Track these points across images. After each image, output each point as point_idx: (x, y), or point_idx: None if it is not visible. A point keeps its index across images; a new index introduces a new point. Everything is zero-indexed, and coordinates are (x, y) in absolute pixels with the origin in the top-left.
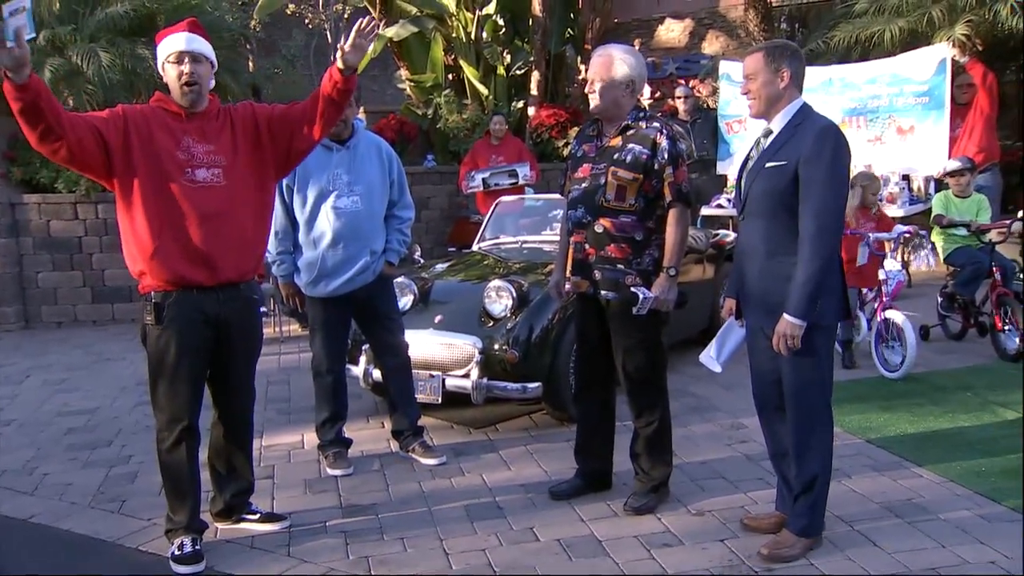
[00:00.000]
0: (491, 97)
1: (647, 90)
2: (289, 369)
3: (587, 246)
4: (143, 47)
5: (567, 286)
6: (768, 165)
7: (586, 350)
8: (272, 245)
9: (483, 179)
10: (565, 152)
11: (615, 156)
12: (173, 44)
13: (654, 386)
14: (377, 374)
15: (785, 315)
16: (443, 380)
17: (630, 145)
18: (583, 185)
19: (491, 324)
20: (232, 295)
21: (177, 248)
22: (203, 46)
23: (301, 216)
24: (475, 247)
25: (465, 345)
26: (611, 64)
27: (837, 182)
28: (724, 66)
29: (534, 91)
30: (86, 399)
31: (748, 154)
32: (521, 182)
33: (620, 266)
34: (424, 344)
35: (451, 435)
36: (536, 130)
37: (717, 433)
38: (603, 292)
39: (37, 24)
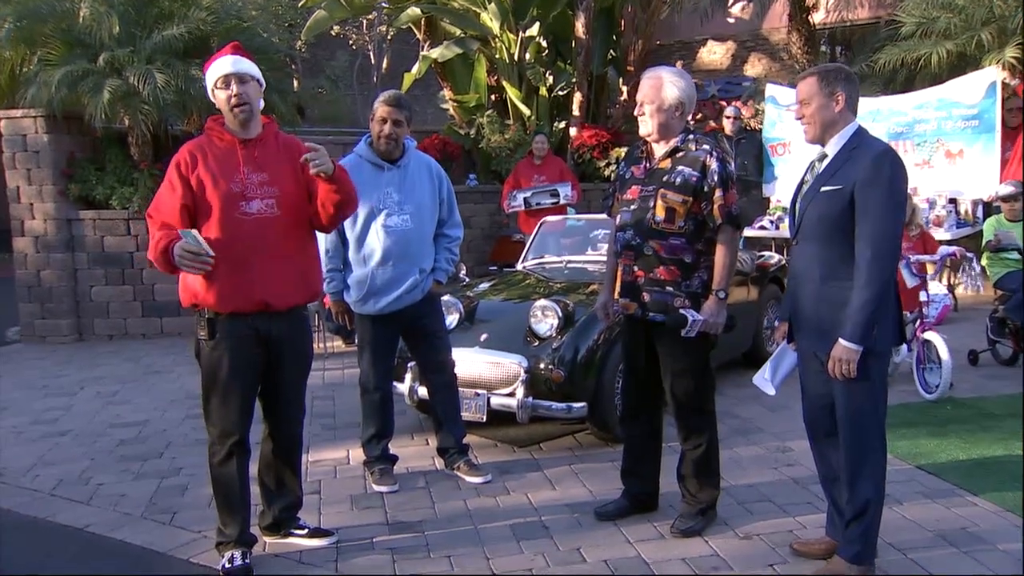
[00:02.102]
0: (533, 117)
1: None
2: (334, 385)
3: (636, 268)
4: (196, 68)
5: (615, 307)
6: (823, 189)
7: (634, 372)
8: (322, 262)
9: (525, 198)
10: (607, 172)
11: (664, 178)
12: (219, 68)
13: (702, 409)
14: (423, 391)
15: (841, 340)
16: (488, 398)
17: (680, 167)
18: (632, 207)
19: (537, 343)
20: (284, 314)
21: (231, 284)
22: (248, 66)
23: (351, 234)
24: (519, 266)
25: (511, 364)
26: (661, 86)
27: (894, 207)
28: (770, 89)
29: (576, 112)
30: (137, 411)
31: (803, 178)
32: (562, 201)
33: (669, 288)
34: (470, 362)
35: (496, 453)
36: (578, 150)
37: (764, 456)
38: (652, 314)
39: (97, 47)
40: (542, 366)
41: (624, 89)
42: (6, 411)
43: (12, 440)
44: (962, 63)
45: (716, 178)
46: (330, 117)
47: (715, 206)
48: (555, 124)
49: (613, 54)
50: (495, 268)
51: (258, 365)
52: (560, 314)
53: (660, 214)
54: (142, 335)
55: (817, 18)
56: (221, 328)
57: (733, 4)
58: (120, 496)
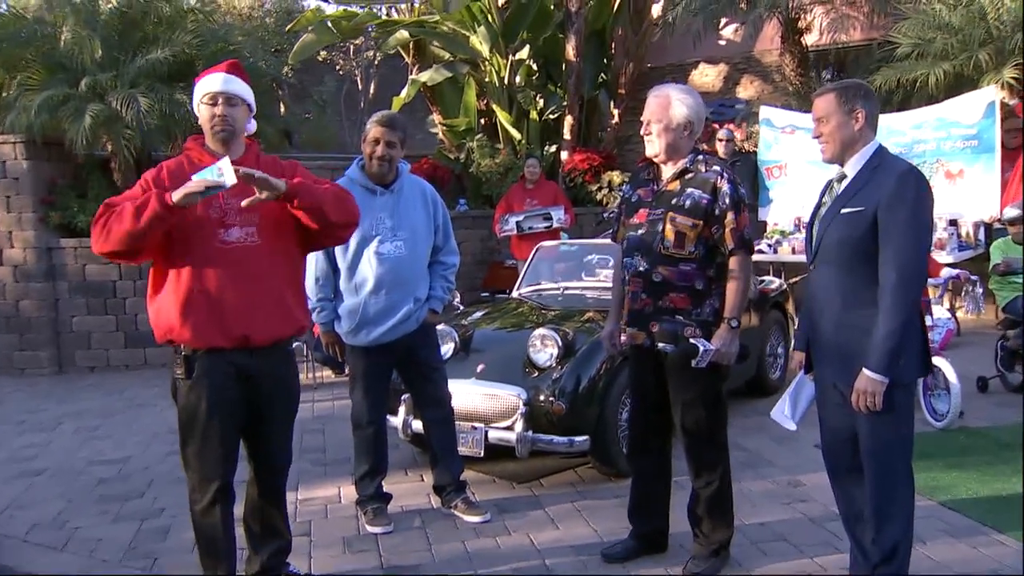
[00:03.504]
0: (524, 141)
1: None
2: (324, 417)
3: (644, 295)
4: (181, 92)
5: (622, 337)
6: (844, 211)
7: (642, 405)
8: (312, 291)
9: (517, 222)
10: (599, 196)
11: (673, 201)
12: (209, 84)
13: (714, 443)
14: (417, 425)
15: (865, 371)
16: (486, 432)
17: (689, 190)
18: (640, 231)
19: (536, 374)
20: (267, 350)
21: (208, 318)
22: (240, 88)
23: (343, 262)
24: (514, 293)
25: (509, 396)
26: (669, 105)
27: (920, 229)
28: (765, 111)
29: (567, 135)
30: (118, 447)
31: (820, 200)
32: (555, 225)
33: (679, 317)
34: (466, 394)
35: (494, 490)
36: (569, 174)
37: (774, 491)
38: (661, 344)
39: (79, 71)
40: (542, 398)
41: (615, 112)
42: None
43: None
44: (959, 83)
45: (728, 201)
46: (317, 143)
47: (727, 230)
48: (546, 148)
49: (604, 77)
50: (487, 295)
51: (240, 405)
52: (560, 343)
53: (669, 238)
54: (125, 366)
55: (810, 40)
56: (199, 366)
57: (724, 27)
58: (97, 540)
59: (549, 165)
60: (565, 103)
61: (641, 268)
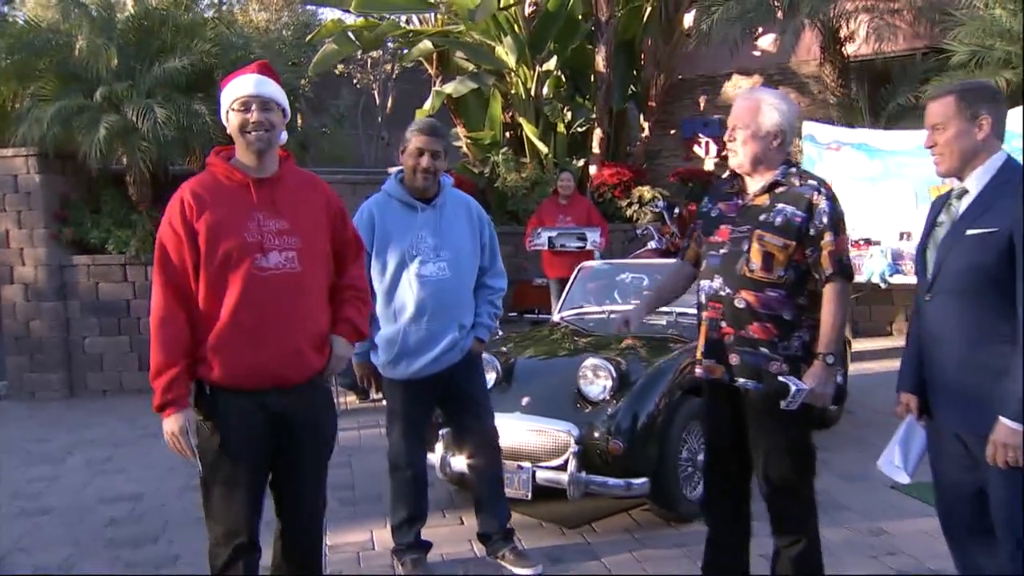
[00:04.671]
0: (551, 155)
1: (713, 148)
2: (350, 448)
3: (723, 323)
4: (200, 102)
5: (698, 370)
6: (969, 233)
7: (717, 449)
8: None
9: (549, 237)
10: (628, 212)
11: (761, 217)
12: (239, 88)
13: (802, 497)
14: (457, 463)
15: (1004, 420)
16: (534, 472)
17: (780, 205)
18: (721, 251)
19: (588, 408)
20: (302, 387)
21: (240, 357)
22: (274, 91)
23: (380, 285)
24: (555, 316)
25: (558, 432)
26: (758, 109)
27: None
28: (808, 127)
29: (596, 149)
30: (131, 482)
31: (932, 219)
32: (589, 247)
33: (763, 349)
34: (511, 430)
35: (542, 536)
36: (598, 189)
37: (855, 540)
38: (741, 380)
39: (94, 81)
40: (596, 435)
41: (645, 125)
42: None
43: None
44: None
45: (826, 219)
46: (334, 157)
47: (824, 252)
48: (574, 162)
49: (633, 89)
50: (515, 315)
51: (269, 449)
52: (614, 374)
53: (756, 260)
54: (138, 390)
55: (849, 50)
56: (223, 405)
57: (758, 37)
58: None
59: (577, 180)
60: (594, 116)
61: (722, 292)
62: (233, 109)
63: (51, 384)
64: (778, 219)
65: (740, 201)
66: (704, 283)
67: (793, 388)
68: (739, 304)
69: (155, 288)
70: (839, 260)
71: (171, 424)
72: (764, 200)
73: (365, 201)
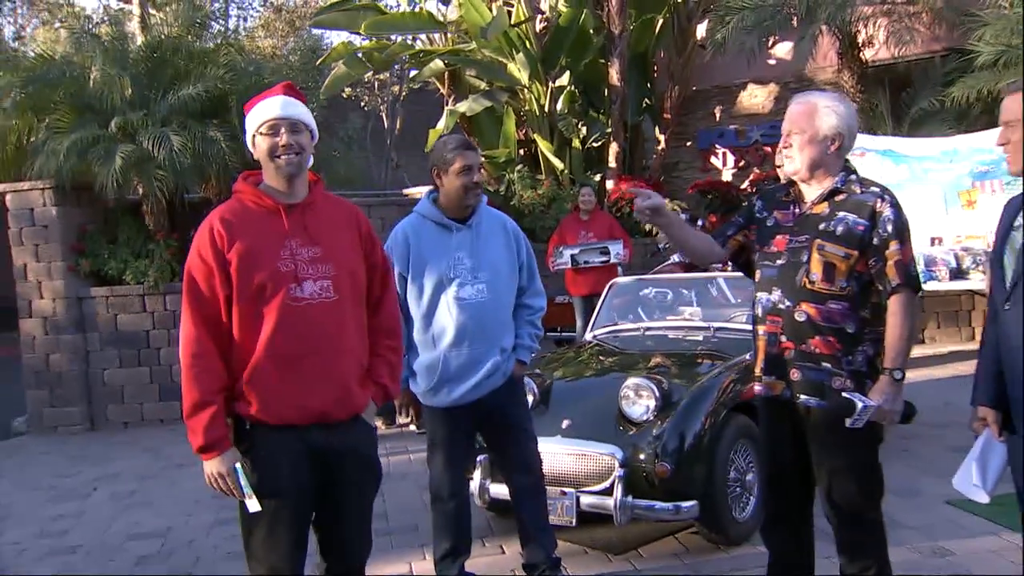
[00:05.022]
0: (566, 171)
1: (730, 159)
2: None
3: (783, 338)
4: (214, 129)
5: (757, 387)
6: None
7: (777, 469)
8: None
9: (572, 255)
10: (647, 226)
11: (821, 226)
12: (266, 111)
13: (869, 521)
14: (496, 490)
15: None
16: (577, 498)
17: (841, 213)
18: (779, 261)
19: (632, 430)
20: (345, 423)
21: (280, 393)
22: (302, 112)
23: (417, 310)
24: (588, 335)
25: (602, 456)
26: (815, 113)
27: None
28: None
29: (612, 163)
30: (158, 516)
31: (1009, 223)
32: (613, 260)
33: (826, 364)
34: (551, 454)
35: (588, 563)
36: (616, 204)
37: (919, 562)
38: (803, 397)
39: (109, 111)
40: (642, 457)
41: (661, 138)
42: (8, 520)
43: (14, 559)
44: None
45: (890, 228)
46: (344, 180)
47: (889, 263)
48: (589, 177)
49: (648, 102)
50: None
51: (311, 487)
52: (657, 393)
53: (816, 270)
54: (160, 421)
55: (867, 55)
56: (263, 441)
57: (774, 45)
58: None
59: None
60: (609, 130)
61: (781, 305)
62: (261, 133)
63: (72, 418)
64: (839, 228)
65: (797, 209)
66: (761, 296)
67: (860, 405)
68: (799, 317)
69: (185, 321)
70: (906, 270)
71: (215, 467)
72: (823, 208)
73: (397, 224)
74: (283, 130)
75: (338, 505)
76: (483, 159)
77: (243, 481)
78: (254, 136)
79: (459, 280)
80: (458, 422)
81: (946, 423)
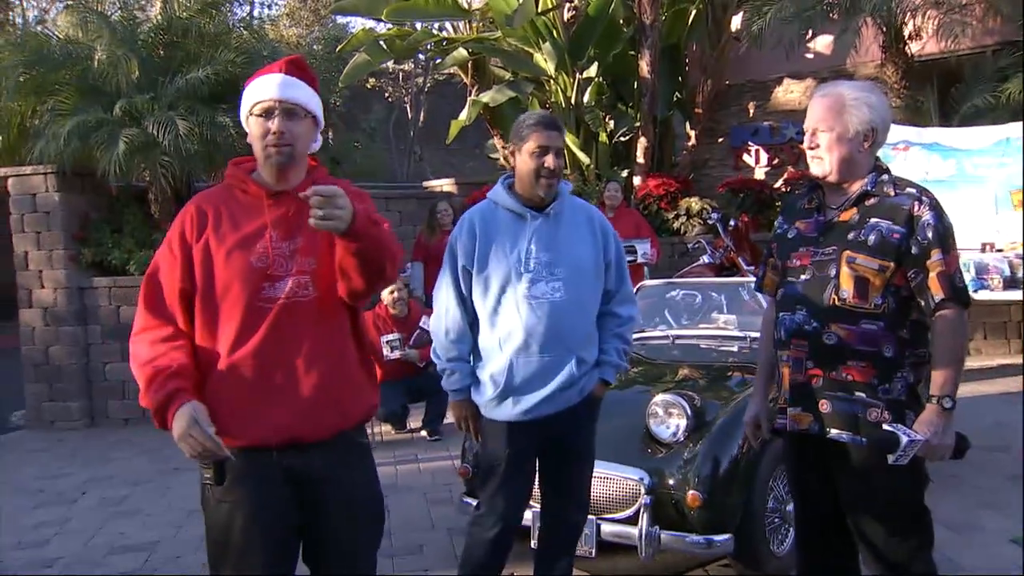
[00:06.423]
0: (592, 166)
1: (764, 157)
2: (386, 487)
3: (810, 364)
4: (224, 114)
5: (780, 421)
6: None
7: (811, 513)
8: (443, 349)
9: None
10: (675, 225)
11: (850, 236)
12: (261, 90)
13: (910, 570)
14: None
15: None
16: (598, 526)
17: (872, 220)
18: (803, 277)
19: (661, 452)
20: (328, 444)
21: (247, 407)
22: (302, 94)
23: (483, 309)
24: None
25: (626, 480)
26: (843, 107)
27: None
28: None
29: (640, 159)
30: (146, 527)
31: None
32: (640, 260)
33: (860, 394)
34: None
35: None
36: (643, 201)
37: None
38: (834, 432)
39: (114, 94)
40: (671, 483)
41: (692, 134)
42: None
43: None
44: None
45: (931, 234)
46: (366, 171)
47: (932, 274)
48: (616, 172)
49: (679, 96)
50: None
51: (291, 523)
52: (689, 412)
53: (847, 286)
54: None
55: (912, 49)
56: (234, 469)
57: (811, 39)
58: None
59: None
60: (637, 124)
61: (807, 327)
62: (253, 114)
63: (71, 413)
64: (871, 237)
65: (822, 218)
66: (784, 316)
67: (904, 439)
68: (829, 340)
69: (137, 314)
70: (951, 282)
71: (181, 422)
72: (852, 215)
73: (466, 212)
74: (276, 114)
75: (322, 544)
76: (505, 152)
77: (211, 431)
78: (247, 117)
79: (531, 275)
80: (521, 440)
81: (1000, 446)
